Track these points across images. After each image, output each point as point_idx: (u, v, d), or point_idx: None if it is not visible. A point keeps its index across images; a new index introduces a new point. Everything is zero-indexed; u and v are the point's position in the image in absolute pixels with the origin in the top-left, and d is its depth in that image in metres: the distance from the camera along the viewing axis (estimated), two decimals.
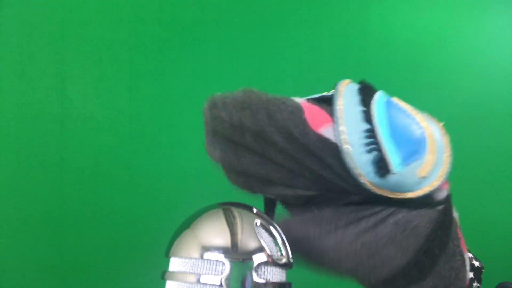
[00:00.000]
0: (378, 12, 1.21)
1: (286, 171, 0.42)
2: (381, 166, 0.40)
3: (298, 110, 0.42)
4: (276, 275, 0.38)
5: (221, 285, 0.36)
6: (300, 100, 0.44)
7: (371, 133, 0.40)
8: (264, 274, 0.38)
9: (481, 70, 1.22)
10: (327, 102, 0.45)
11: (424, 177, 0.41)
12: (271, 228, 0.40)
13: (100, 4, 1.11)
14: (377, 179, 0.40)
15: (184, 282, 0.37)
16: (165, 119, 1.14)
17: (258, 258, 0.37)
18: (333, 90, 0.45)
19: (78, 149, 1.10)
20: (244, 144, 0.42)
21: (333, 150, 0.40)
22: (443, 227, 0.43)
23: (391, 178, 0.40)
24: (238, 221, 0.39)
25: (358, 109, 0.42)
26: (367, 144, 0.40)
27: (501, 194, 1.22)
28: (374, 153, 0.40)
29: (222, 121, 0.42)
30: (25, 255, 1.07)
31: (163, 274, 0.39)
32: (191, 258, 0.38)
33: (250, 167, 0.42)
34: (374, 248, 0.41)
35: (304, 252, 0.43)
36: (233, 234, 0.38)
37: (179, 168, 1.14)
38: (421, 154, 0.41)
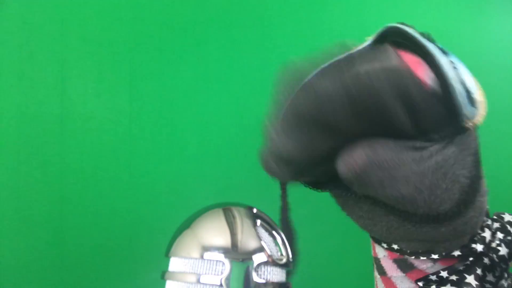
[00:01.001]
0: (378, 12, 1.21)
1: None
2: (470, 102, 0.36)
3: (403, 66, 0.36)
4: (276, 275, 0.38)
5: (221, 285, 0.36)
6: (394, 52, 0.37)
7: (459, 76, 0.36)
8: (264, 274, 0.38)
9: (481, 70, 1.22)
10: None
11: (481, 101, 0.38)
12: (271, 228, 0.40)
13: (100, 4, 1.11)
14: (473, 112, 0.37)
15: (184, 282, 0.37)
16: (165, 119, 1.14)
17: (258, 258, 0.37)
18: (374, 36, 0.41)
19: (78, 149, 1.10)
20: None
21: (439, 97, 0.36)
22: (479, 157, 0.41)
23: (474, 110, 0.37)
24: (238, 221, 0.39)
25: (442, 53, 0.37)
26: (461, 84, 0.36)
27: (501, 194, 1.22)
28: (465, 91, 0.36)
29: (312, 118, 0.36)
30: (25, 255, 1.07)
31: (163, 274, 0.39)
32: (191, 258, 0.38)
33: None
34: (444, 167, 0.38)
35: (379, 178, 0.38)
36: (233, 234, 0.38)
37: (179, 168, 1.14)
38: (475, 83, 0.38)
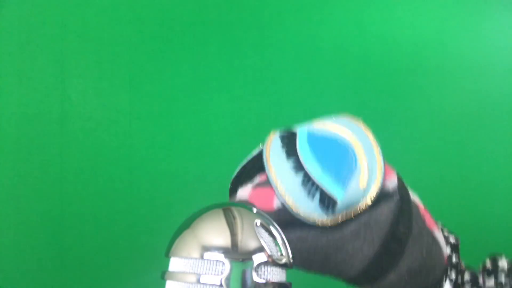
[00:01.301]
0: (378, 12, 1.21)
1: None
2: (328, 202, 0.43)
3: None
4: (276, 275, 0.38)
5: (221, 285, 0.36)
6: (248, 193, 0.48)
7: (307, 178, 0.43)
8: (264, 274, 0.38)
9: (481, 70, 1.23)
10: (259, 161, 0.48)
11: (364, 189, 0.44)
12: (271, 228, 0.40)
13: (100, 4, 1.11)
14: (330, 215, 0.43)
15: (184, 282, 0.37)
16: (165, 119, 1.14)
17: (258, 258, 0.37)
18: (261, 146, 0.50)
19: (78, 149, 1.10)
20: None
21: (286, 212, 0.44)
22: (404, 212, 0.46)
23: (340, 206, 0.43)
24: (238, 221, 0.39)
25: (288, 166, 0.45)
26: (309, 192, 0.43)
27: (501, 194, 1.22)
28: (317, 197, 0.43)
29: None
30: (25, 255, 1.07)
31: (163, 274, 0.39)
32: (191, 258, 0.38)
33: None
34: (340, 242, 0.44)
35: None
36: (233, 234, 0.38)
37: (179, 168, 1.14)
38: (354, 166, 0.44)
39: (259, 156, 0.50)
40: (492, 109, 1.22)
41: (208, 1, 1.16)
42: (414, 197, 0.50)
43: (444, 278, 0.49)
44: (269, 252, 0.38)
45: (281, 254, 0.39)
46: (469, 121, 1.21)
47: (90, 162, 1.10)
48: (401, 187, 0.48)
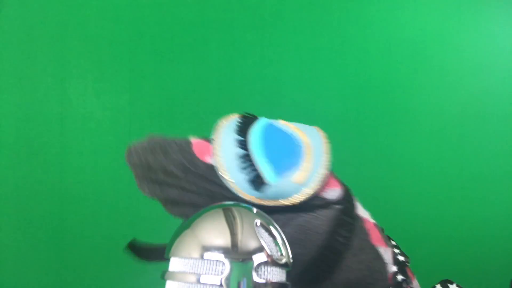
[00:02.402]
0: (378, 12, 1.21)
1: (195, 194, 0.50)
2: (257, 182, 0.46)
3: (187, 145, 0.53)
4: (276, 275, 0.38)
5: (221, 285, 0.36)
6: (191, 138, 0.55)
7: (247, 157, 0.48)
8: (264, 274, 0.38)
9: (481, 70, 1.22)
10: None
11: (302, 183, 0.47)
12: (271, 228, 0.40)
13: (100, 4, 1.11)
14: (255, 192, 0.46)
15: (184, 282, 0.37)
16: (165, 119, 1.14)
17: (258, 258, 0.37)
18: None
19: (78, 149, 1.10)
20: (160, 180, 0.51)
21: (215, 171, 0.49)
22: (344, 224, 0.48)
23: (268, 189, 0.46)
24: (238, 221, 0.39)
25: (233, 137, 0.50)
26: (244, 168, 0.47)
27: (501, 194, 1.22)
28: (251, 173, 0.47)
29: (136, 165, 0.52)
30: (25, 255, 1.07)
31: (163, 274, 0.39)
32: (191, 258, 0.38)
33: (176, 196, 0.50)
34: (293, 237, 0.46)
35: None
36: (233, 234, 0.38)
37: None
38: (297, 164, 0.47)
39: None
40: (492, 109, 1.22)
41: (208, 1, 1.16)
42: (363, 213, 0.51)
43: None
44: (269, 252, 0.38)
45: (281, 254, 0.39)
46: (469, 120, 1.21)
47: (90, 162, 1.10)
48: (346, 200, 0.49)
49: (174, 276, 0.38)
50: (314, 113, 1.16)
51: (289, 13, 1.18)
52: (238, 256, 0.37)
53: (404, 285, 0.51)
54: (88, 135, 1.10)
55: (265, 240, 0.39)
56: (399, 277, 0.51)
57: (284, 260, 0.39)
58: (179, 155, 0.51)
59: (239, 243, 0.38)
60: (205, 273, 0.37)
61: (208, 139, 0.53)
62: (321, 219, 0.47)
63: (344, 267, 0.47)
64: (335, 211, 0.48)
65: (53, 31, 1.09)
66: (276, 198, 0.46)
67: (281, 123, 0.53)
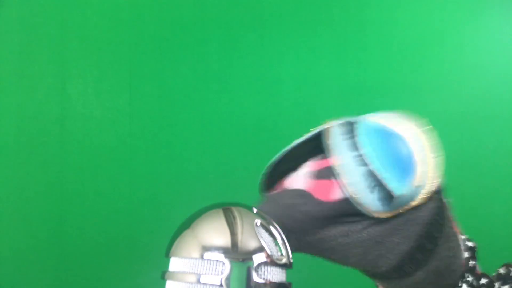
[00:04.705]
0: (378, 12, 1.21)
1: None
2: (386, 197, 0.45)
3: (307, 197, 0.47)
4: (276, 275, 0.38)
5: (221, 285, 0.36)
6: (305, 183, 0.49)
7: (371, 174, 0.45)
8: (264, 274, 0.38)
9: (481, 70, 1.22)
10: (315, 140, 0.49)
11: (419, 186, 0.46)
12: (271, 228, 0.40)
13: (100, 4, 1.11)
14: (386, 208, 0.45)
15: (184, 282, 0.37)
16: (165, 119, 1.14)
17: (258, 258, 0.37)
18: (317, 128, 0.50)
19: (78, 149, 1.10)
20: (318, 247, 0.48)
21: (346, 203, 0.46)
22: (440, 212, 0.48)
23: (396, 201, 0.45)
24: (238, 221, 0.39)
25: (352, 155, 0.47)
26: (369, 186, 0.45)
27: (501, 194, 1.22)
28: (376, 190, 0.45)
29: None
30: (25, 255, 1.07)
31: (163, 274, 0.39)
32: (191, 258, 0.38)
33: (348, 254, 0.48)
34: (379, 237, 0.46)
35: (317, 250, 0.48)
36: (233, 234, 0.38)
37: (179, 168, 1.14)
38: (411, 167, 0.46)
39: (303, 144, 0.50)
40: (492, 109, 1.22)
41: (208, 1, 1.16)
42: (447, 199, 0.51)
43: (461, 280, 0.50)
44: (269, 252, 0.37)
45: (281, 254, 0.39)
46: (469, 120, 1.21)
47: (90, 162, 1.10)
48: (440, 188, 0.49)
49: (174, 276, 0.38)
50: (314, 113, 1.16)
51: (289, 13, 1.18)
52: (238, 256, 0.37)
53: (477, 270, 0.51)
54: (88, 135, 1.10)
55: (265, 240, 0.39)
56: (471, 263, 0.51)
57: (284, 260, 0.39)
58: (311, 212, 0.47)
59: (239, 243, 0.37)
60: (205, 273, 0.37)
61: (319, 176, 0.48)
62: (423, 210, 0.47)
63: (436, 255, 0.47)
64: (435, 200, 0.48)
65: (53, 31, 1.09)
66: (401, 207, 0.45)
67: (375, 120, 0.51)
